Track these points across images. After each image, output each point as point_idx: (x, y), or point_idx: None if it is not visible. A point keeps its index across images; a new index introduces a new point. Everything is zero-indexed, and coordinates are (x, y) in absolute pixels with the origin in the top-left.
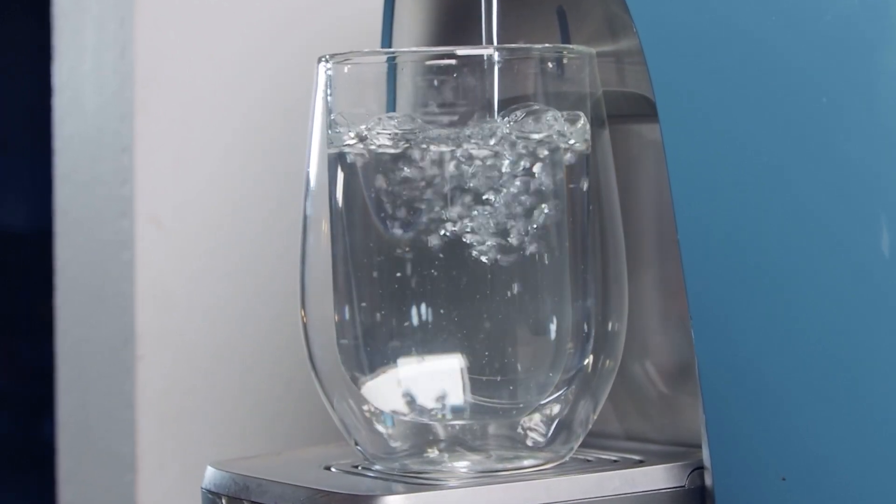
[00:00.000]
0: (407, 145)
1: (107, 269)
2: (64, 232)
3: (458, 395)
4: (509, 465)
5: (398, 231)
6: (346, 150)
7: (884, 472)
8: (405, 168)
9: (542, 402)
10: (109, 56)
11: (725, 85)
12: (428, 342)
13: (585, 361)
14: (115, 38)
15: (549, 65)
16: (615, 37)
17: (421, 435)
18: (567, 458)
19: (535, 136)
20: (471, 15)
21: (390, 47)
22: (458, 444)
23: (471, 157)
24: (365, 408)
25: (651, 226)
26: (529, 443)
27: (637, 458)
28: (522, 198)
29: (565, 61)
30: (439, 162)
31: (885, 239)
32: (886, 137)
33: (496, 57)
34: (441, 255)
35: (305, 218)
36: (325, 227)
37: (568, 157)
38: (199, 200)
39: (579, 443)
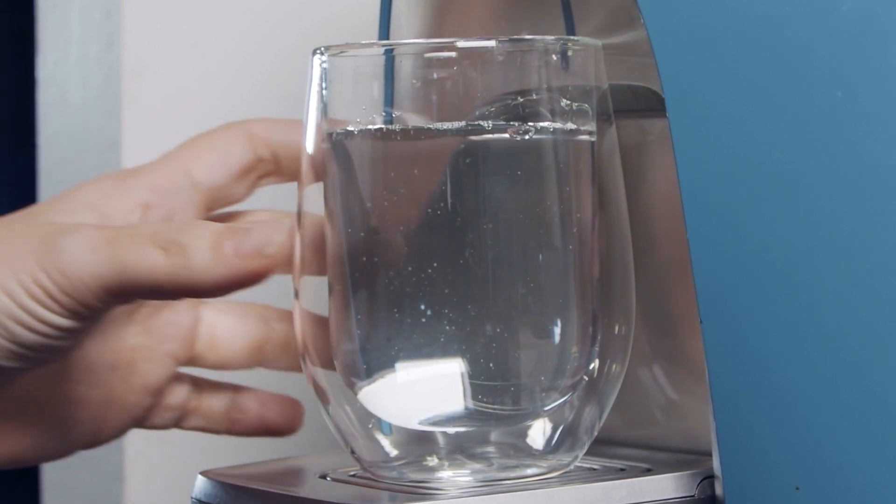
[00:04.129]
0: (407, 140)
1: None
2: None
3: (458, 401)
4: (511, 474)
5: (396, 230)
6: (343, 145)
7: None
8: (404, 164)
9: (546, 408)
10: (95, 48)
11: (736, 78)
12: (427, 346)
13: (591, 366)
14: (101, 30)
15: (554, 57)
16: (622, 29)
17: (420, 442)
18: (572, 467)
19: (539, 131)
20: (471, 6)
21: (388, 39)
22: (459, 451)
23: (472, 153)
24: (362, 414)
25: (659, 224)
26: (532, 451)
27: (645, 466)
28: (525, 194)
29: (570, 54)
30: (440, 157)
31: None
32: None
33: (498, 49)
34: (441, 256)
35: (300, 216)
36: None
37: (573, 152)
38: None
39: (584, 450)
